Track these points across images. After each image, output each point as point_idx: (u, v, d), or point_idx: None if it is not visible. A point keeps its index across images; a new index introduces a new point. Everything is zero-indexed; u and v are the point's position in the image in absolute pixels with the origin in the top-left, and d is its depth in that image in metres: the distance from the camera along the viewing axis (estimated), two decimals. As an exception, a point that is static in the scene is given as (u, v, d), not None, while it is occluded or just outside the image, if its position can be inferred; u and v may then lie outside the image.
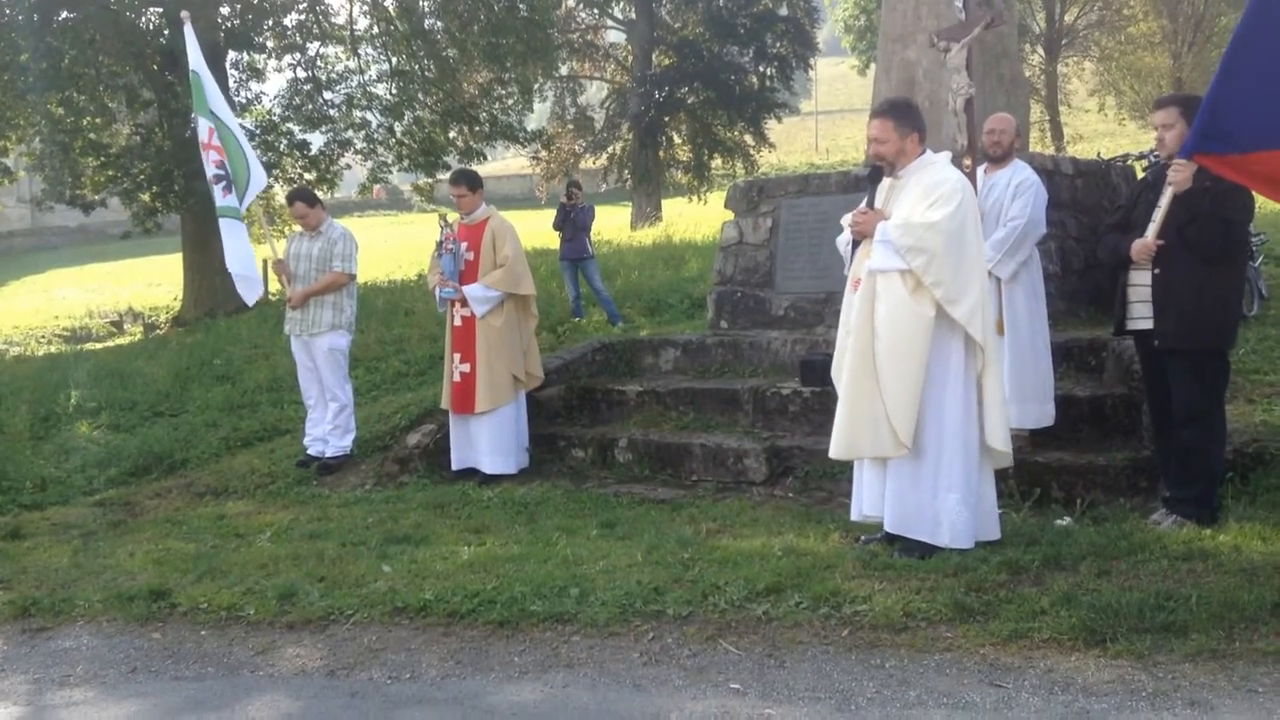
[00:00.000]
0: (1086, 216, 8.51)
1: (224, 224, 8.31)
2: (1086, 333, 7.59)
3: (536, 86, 28.08)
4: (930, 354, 4.91)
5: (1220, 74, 4.56)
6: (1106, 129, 39.74)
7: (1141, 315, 5.40)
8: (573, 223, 12.44)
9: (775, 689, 3.84)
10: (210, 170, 8.32)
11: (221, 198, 8.29)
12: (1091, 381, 7.15)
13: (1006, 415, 5.19)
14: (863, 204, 5.23)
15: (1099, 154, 14.37)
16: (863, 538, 5.33)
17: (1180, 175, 5.01)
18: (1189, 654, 3.79)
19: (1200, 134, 4.70)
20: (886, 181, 5.23)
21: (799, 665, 4.01)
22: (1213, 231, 5.09)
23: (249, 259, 8.44)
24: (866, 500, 5.24)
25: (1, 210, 29.38)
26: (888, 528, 5.10)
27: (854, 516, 5.39)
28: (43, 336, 20.06)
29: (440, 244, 7.86)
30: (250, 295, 8.55)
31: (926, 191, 5.00)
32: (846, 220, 5.34)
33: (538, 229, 19.58)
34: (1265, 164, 4.62)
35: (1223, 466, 5.38)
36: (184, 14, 8.82)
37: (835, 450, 5.21)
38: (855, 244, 5.24)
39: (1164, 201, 5.11)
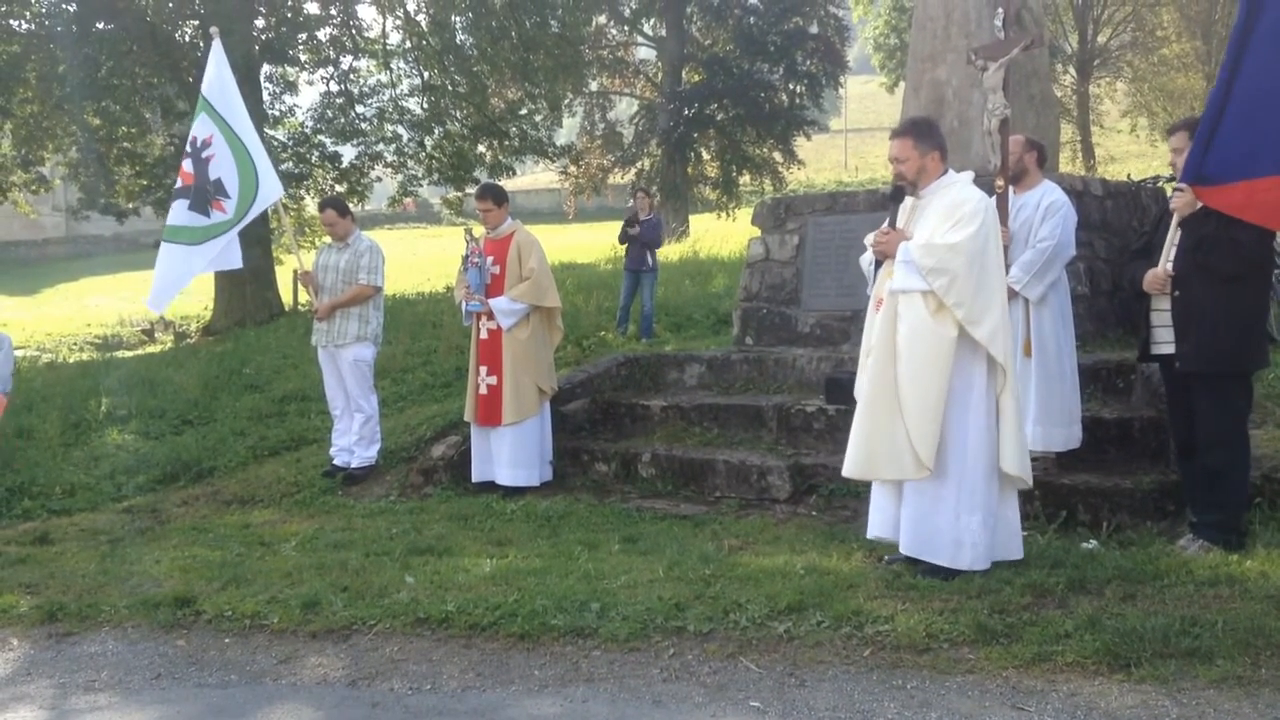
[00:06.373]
0: (1116, 238, 8.47)
1: (165, 248, 8.17)
2: (1115, 354, 7.54)
3: (566, 102, 28.24)
4: (953, 375, 4.88)
5: (1209, 107, 4.57)
6: (1138, 150, 39.50)
7: (1164, 340, 5.38)
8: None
9: (796, 708, 3.82)
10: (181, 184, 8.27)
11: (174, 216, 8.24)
12: (1119, 404, 7.09)
13: (1023, 439, 5.13)
14: (885, 223, 5.22)
15: (1129, 175, 14.27)
16: (886, 557, 5.30)
17: (1180, 201, 5.01)
18: (1214, 680, 3.75)
19: (1194, 166, 4.71)
20: (909, 201, 5.23)
21: (820, 684, 4.00)
22: (1223, 251, 5.06)
23: (170, 286, 8.23)
24: (877, 522, 5.22)
25: (37, 218, 29.71)
26: (904, 550, 5.06)
27: (869, 534, 5.35)
28: (75, 344, 20.27)
29: (466, 258, 7.90)
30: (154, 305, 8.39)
31: (948, 211, 4.99)
32: (870, 240, 5.34)
33: (566, 243, 19.64)
34: (1257, 193, 4.62)
35: (1249, 490, 5.33)
36: (213, 30, 8.86)
37: (849, 469, 5.18)
38: (878, 264, 5.23)
39: (1171, 228, 5.11)
